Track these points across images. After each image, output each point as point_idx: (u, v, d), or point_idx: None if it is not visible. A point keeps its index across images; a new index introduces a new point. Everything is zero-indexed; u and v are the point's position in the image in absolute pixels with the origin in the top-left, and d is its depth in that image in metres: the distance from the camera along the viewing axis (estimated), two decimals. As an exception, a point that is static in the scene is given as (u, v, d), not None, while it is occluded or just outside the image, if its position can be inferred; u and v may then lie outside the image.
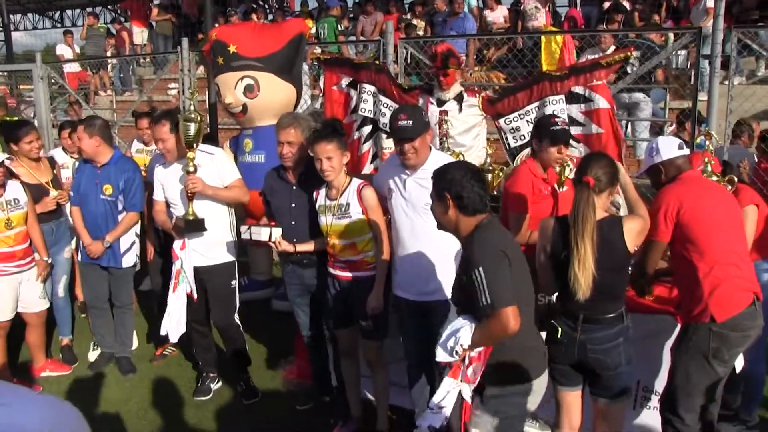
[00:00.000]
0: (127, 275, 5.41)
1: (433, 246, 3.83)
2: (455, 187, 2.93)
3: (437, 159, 3.84)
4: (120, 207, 5.17)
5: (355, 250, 4.00)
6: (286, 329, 5.34)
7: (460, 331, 2.84)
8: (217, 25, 13.37)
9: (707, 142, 3.98)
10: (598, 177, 3.19)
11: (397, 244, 4.01)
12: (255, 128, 6.02)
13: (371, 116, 5.77)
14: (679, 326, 3.69)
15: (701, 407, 3.56)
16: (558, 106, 4.81)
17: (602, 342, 3.24)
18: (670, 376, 3.59)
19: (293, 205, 4.32)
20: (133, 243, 5.39)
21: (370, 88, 5.58)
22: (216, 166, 4.71)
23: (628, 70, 6.87)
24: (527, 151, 4.71)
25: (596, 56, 8.26)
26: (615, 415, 3.45)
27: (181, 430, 4.65)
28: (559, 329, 3.28)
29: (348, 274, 4.07)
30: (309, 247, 4.23)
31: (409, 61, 7.21)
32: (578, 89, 4.76)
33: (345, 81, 5.84)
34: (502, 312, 2.71)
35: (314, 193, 4.15)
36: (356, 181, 4.00)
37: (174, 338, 4.80)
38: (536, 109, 4.92)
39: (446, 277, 3.75)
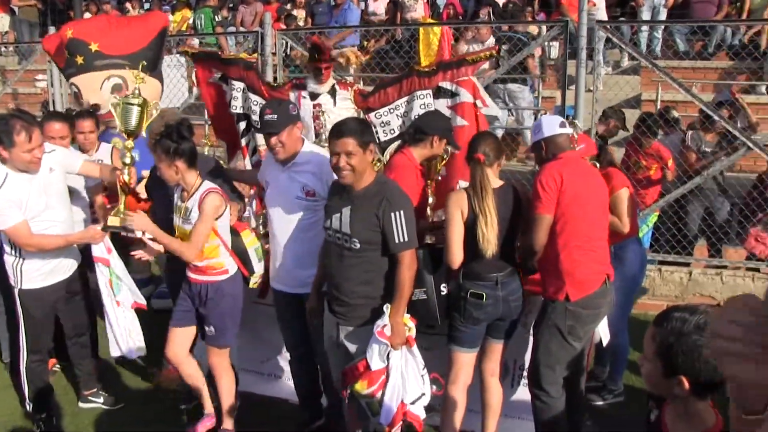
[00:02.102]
0: None
1: (306, 238, 3.91)
2: (374, 140, 3.68)
3: (309, 153, 3.95)
4: None
5: (201, 255, 3.94)
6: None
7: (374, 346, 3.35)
8: (87, 13, 12.84)
9: (572, 130, 4.22)
10: (486, 153, 3.63)
11: (272, 238, 4.08)
12: None
13: (242, 112, 5.71)
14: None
15: (567, 380, 3.78)
16: (426, 101, 4.97)
17: (517, 290, 3.72)
18: (533, 352, 3.83)
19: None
20: None
21: (239, 84, 5.51)
22: (63, 160, 4.35)
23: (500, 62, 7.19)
24: (395, 144, 4.85)
25: (470, 50, 8.59)
26: (502, 352, 3.88)
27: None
28: (483, 294, 3.60)
29: (197, 277, 4.03)
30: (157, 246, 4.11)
31: (288, 52, 7.17)
32: (446, 84, 4.94)
33: (216, 75, 5.75)
34: (415, 250, 3.41)
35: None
36: (204, 186, 3.91)
37: (134, 355, 4.46)
38: (405, 103, 5.06)
39: None
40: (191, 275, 4.04)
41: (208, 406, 4.28)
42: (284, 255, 4.02)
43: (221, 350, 4.15)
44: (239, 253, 4.12)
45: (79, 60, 5.69)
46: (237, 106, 5.56)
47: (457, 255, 3.58)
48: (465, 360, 3.77)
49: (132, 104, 3.97)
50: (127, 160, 4.06)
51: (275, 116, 3.78)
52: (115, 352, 4.40)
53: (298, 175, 3.93)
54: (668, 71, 6.26)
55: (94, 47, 5.66)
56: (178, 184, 3.97)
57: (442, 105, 4.91)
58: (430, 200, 4.37)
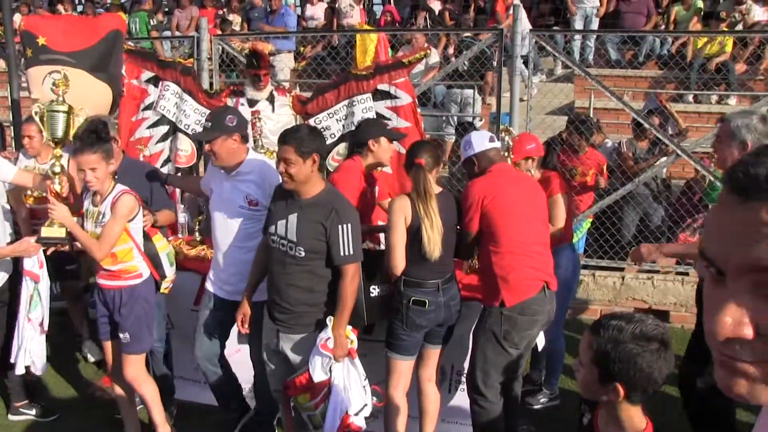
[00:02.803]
0: None
1: (248, 246, 3.89)
2: (321, 147, 3.51)
3: (254, 162, 3.95)
4: None
5: (115, 259, 3.85)
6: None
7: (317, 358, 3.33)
8: (18, 14, 12.44)
9: (506, 138, 4.28)
10: (426, 159, 3.63)
11: (215, 244, 4.08)
12: None
13: (171, 117, 5.62)
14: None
15: (504, 385, 3.82)
16: (366, 104, 5.00)
17: (456, 296, 3.77)
18: (472, 357, 3.85)
19: None
20: None
21: (174, 87, 5.42)
22: None
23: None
24: (339, 147, 4.84)
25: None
26: (438, 356, 3.88)
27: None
28: (426, 301, 3.60)
29: (109, 284, 3.93)
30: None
31: (224, 58, 7.07)
32: (384, 87, 4.97)
33: (145, 76, 5.64)
34: (358, 265, 3.42)
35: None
36: (117, 189, 3.81)
37: (40, 371, 4.29)
38: (345, 107, 5.08)
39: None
40: (103, 282, 3.92)
41: (129, 428, 4.22)
42: (224, 262, 4.00)
43: (137, 357, 4.02)
44: (151, 257, 4.04)
45: (29, 52, 5.52)
46: (166, 108, 5.47)
47: (399, 261, 3.57)
48: (405, 367, 3.77)
49: (57, 111, 3.83)
50: (57, 169, 3.90)
51: (209, 124, 3.80)
52: (20, 370, 4.19)
53: (241, 184, 3.91)
54: (600, 79, 6.42)
55: (41, 41, 5.49)
56: (87, 190, 3.85)
57: (382, 107, 4.95)
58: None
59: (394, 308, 3.68)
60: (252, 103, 5.32)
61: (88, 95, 5.60)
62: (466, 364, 3.97)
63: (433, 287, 3.63)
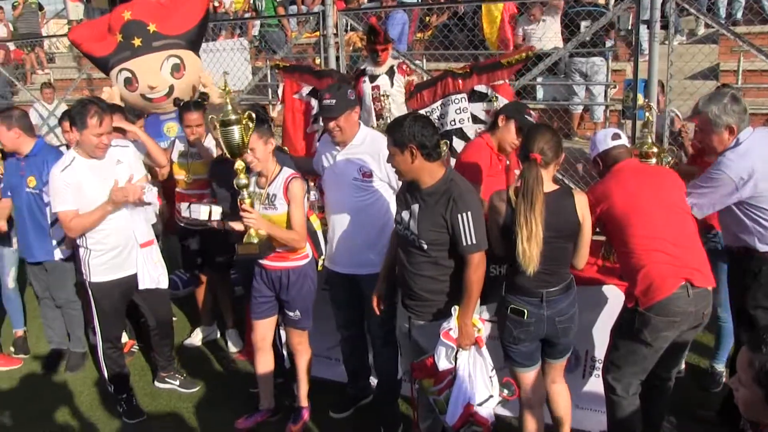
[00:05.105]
0: (62, 269, 5.11)
1: (363, 220, 3.97)
2: (418, 138, 3.19)
3: (365, 135, 4.02)
4: (46, 199, 4.78)
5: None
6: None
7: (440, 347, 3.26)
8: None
9: (646, 113, 4.00)
10: (543, 152, 3.28)
11: (329, 220, 4.17)
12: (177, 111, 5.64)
13: None
14: (622, 296, 3.74)
15: (650, 382, 3.63)
16: (460, 105, 4.89)
17: (567, 311, 3.41)
18: (608, 347, 3.68)
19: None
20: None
21: None
22: (133, 159, 4.46)
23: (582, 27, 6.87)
24: None
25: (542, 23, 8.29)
26: (560, 369, 3.68)
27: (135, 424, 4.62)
28: (525, 311, 3.35)
29: (276, 264, 4.05)
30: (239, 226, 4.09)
31: (347, 30, 7.07)
32: (481, 88, 4.81)
33: (306, 90, 5.69)
34: (483, 253, 3.21)
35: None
36: (286, 172, 3.93)
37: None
38: (440, 107, 5.00)
39: (376, 250, 3.94)
40: (268, 263, 4.06)
41: (264, 402, 4.43)
42: (339, 236, 4.08)
43: (303, 332, 4.24)
44: (311, 234, 4.18)
45: (137, 42, 5.68)
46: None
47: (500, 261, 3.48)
48: (532, 378, 3.56)
49: (230, 123, 3.63)
50: (243, 181, 3.77)
51: (333, 101, 3.84)
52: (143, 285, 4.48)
53: (355, 156, 3.98)
54: (750, 39, 5.89)
55: (152, 28, 5.67)
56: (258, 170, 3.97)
57: (478, 109, 4.83)
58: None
59: (497, 313, 3.54)
60: (373, 78, 5.33)
61: (196, 73, 5.81)
62: (602, 351, 3.79)
63: (537, 297, 3.35)
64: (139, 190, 4.21)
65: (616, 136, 3.65)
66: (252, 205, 3.79)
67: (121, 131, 4.88)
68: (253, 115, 3.67)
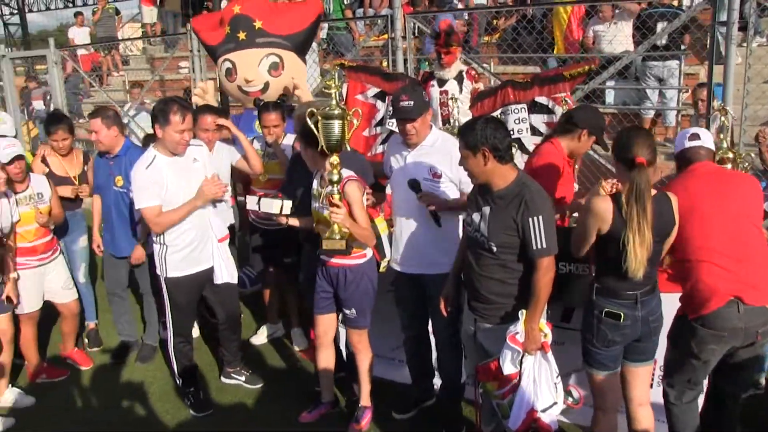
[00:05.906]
0: (147, 261, 5.25)
1: (430, 221, 3.95)
2: (491, 140, 3.19)
3: (436, 136, 4.03)
4: (131, 197, 4.89)
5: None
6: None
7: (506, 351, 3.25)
8: (224, 0, 13.33)
9: (722, 118, 3.89)
10: (647, 155, 3.19)
11: (395, 221, 4.18)
12: None
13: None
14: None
15: (719, 391, 3.56)
16: (519, 115, 4.83)
17: (657, 310, 3.38)
18: (665, 352, 3.62)
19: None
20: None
21: None
22: (207, 157, 4.60)
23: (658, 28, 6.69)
24: None
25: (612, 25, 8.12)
26: (647, 380, 3.56)
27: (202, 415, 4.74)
28: (621, 314, 3.30)
29: (334, 261, 4.09)
30: (297, 222, 4.27)
31: (416, 33, 7.08)
32: (542, 100, 4.73)
33: (371, 92, 5.70)
34: (553, 257, 3.19)
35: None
36: (344, 173, 3.91)
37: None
38: (499, 116, 4.94)
39: (442, 250, 3.93)
40: (329, 260, 4.11)
41: (325, 395, 4.51)
42: (405, 237, 4.10)
43: (361, 331, 4.27)
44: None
45: (241, 36, 5.81)
46: (394, 124, 5.57)
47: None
48: (605, 382, 3.49)
49: (333, 117, 3.63)
50: (335, 177, 3.74)
51: (411, 103, 3.84)
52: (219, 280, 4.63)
53: (425, 157, 3.99)
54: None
55: (258, 24, 5.78)
56: (317, 170, 4.08)
57: (539, 121, 4.77)
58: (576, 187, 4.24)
59: (586, 320, 3.46)
60: (441, 82, 5.32)
61: (296, 75, 5.88)
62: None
63: (631, 299, 3.31)
64: (224, 187, 4.39)
65: (694, 137, 3.55)
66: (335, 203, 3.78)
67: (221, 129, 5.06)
68: (360, 112, 3.80)
